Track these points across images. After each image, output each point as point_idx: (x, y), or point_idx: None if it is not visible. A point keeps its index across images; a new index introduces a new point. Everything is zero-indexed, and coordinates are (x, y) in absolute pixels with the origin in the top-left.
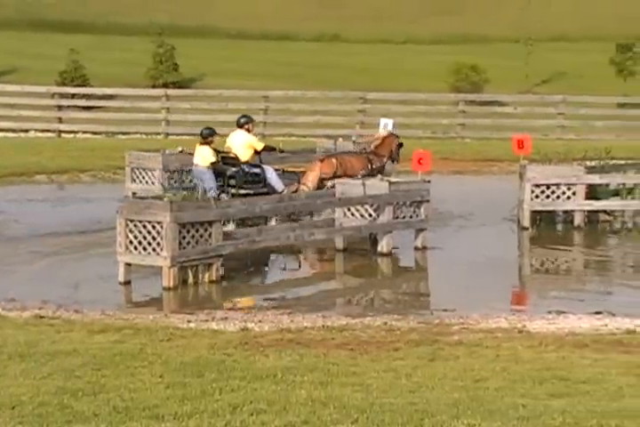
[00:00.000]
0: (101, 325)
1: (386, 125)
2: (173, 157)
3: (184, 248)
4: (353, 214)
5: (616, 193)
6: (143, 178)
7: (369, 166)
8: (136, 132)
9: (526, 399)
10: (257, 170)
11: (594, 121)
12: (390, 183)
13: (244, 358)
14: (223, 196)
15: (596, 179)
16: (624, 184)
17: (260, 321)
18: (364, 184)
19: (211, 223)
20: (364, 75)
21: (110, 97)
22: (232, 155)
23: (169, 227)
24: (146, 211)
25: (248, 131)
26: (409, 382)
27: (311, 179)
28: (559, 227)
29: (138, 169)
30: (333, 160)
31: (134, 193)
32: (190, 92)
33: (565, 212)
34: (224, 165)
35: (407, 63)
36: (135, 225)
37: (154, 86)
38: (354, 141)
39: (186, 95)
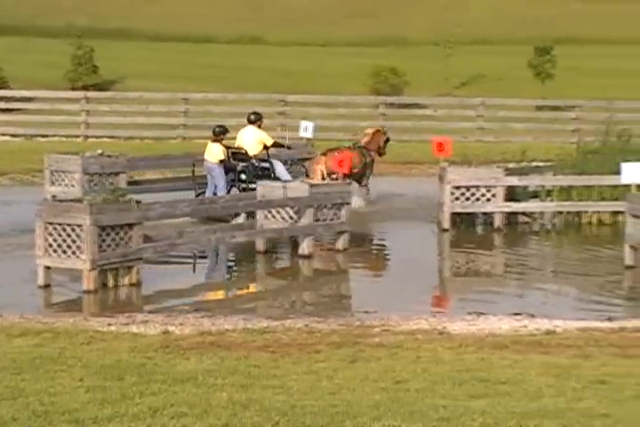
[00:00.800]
0: (20, 328)
1: (306, 128)
2: (93, 160)
3: (104, 251)
4: (274, 217)
5: (535, 195)
6: (63, 181)
7: (364, 160)
8: (55, 135)
9: (446, 400)
10: (266, 164)
11: (512, 123)
12: (311, 186)
13: (164, 361)
14: (234, 190)
15: (514, 181)
16: (543, 186)
17: (180, 324)
18: (284, 187)
19: (131, 226)
20: (284, 77)
21: (29, 99)
22: (243, 151)
23: (89, 230)
24: (65, 214)
25: (259, 127)
26: (330, 384)
27: (317, 168)
28: (479, 229)
29: (57, 172)
30: (336, 154)
31: (54, 196)
32: (110, 94)
33: (485, 214)
34: (234, 160)
35: (327, 66)
36: (55, 228)
37: (73, 89)
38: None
39: (105, 98)
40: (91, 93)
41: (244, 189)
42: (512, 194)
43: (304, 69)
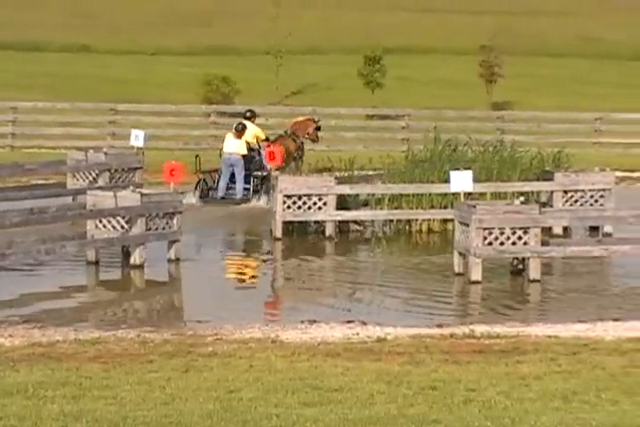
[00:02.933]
0: None
1: (137, 137)
2: None
3: None
4: (105, 226)
5: (366, 203)
6: None
7: (297, 146)
8: None
9: (279, 409)
10: (256, 153)
11: (344, 132)
12: (142, 195)
13: None
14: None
15: (346, 189)
16: (373, 194)
17: (10, 335)
18: (115, 196)
19: None
20: (114, 86)
21: None
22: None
23: None
24: None
25: (252, 123)
26: (163, 394)
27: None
28: (311, 237)
29: None
30: (280, 146)
31: None
32: None
33: (317, 222)
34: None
35: (158, 74)
36: None
37: None
38: (105, 153)
39: None
40: None
41: (257, 177)
42: (343, 202)
43: (135, 78)
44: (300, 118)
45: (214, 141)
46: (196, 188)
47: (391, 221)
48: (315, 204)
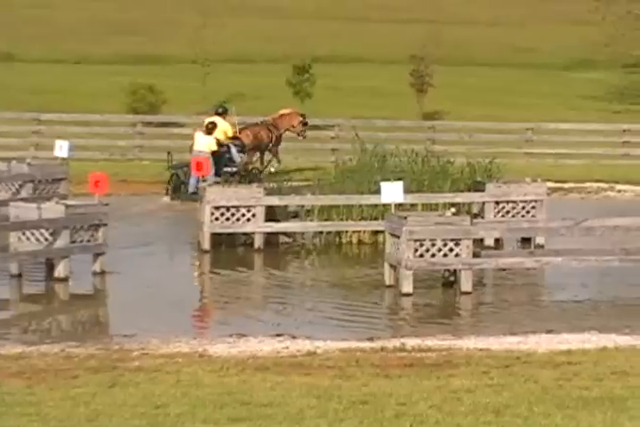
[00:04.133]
0: None
1: (61, 147)
2: None
3: None
4: (28, 239)
5: (295, 215)
6: None
7: (271, 136)
8: None
9: (207, 424)
10: (226, 149)
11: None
12: (67, 206)
13: None
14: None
15: (275, 200)
16: (302, 206)
17: None
18: (39, 207)
19: None
20: (38, 95)
21: None
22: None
23: None
24: None
25: (223, 119)
26: (87, 409)
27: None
28: (240, 249)
29: None
30: (248, 132)
31: None
32: None
33: (246, 234)
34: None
35: (83, 84)
36: None
37: None
38: (28, 163)
39: None
40: None
41: (228, 173)
42: (272, 214)
43: (59, 87)
44: (286, 111)
45: (140, 152)
46: (168, 183)
47: (321, 232)
48: (243, 215)
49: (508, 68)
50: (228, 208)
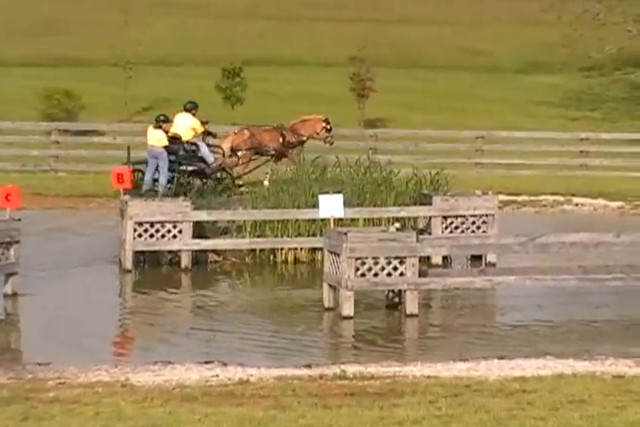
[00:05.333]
0: None
1: None
2: None
3: None
4: None
5: (226, 231)
6: None
7: (280, 140)
8: None
9: None
10: (194, 147)
11: None
12: None
13: None
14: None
15: (203, 215)
16: (234, 221)
17: None
18: None
19: None
20: None
21: None
22: (173, 135)
23: None
24: None
25: (193, 115)
26: None
27: (224, 147)
28: (165, 269)
29: None
30: (245, 131)
31: None
32: None
33: (171, 252)
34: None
35: None
36: None
37: None
38: None
39: None
40: None
41: (183, 171)
42: (201, 230)
43: None
44: (309, 116)
45: (56, 162)
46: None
47: (254, 250)
48: (169, 231)
49: (457, 72)
50: (151, 224)
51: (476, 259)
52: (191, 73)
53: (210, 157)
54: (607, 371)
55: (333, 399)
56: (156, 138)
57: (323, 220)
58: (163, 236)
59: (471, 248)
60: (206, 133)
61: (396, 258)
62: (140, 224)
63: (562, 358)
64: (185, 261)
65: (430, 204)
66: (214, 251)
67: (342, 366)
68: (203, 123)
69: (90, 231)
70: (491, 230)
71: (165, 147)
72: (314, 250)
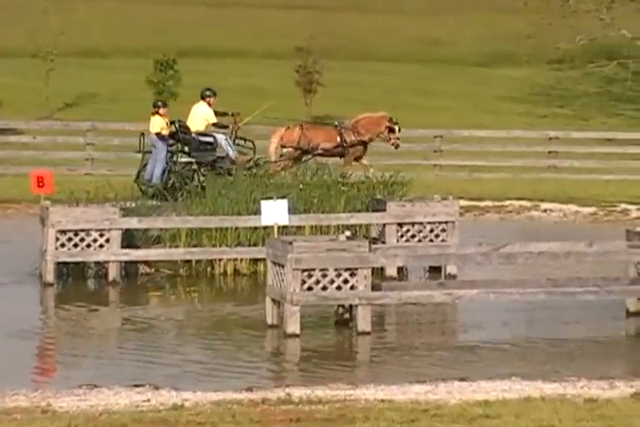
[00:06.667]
0: None
1: None
2: None
3: None
4: None
5: (158, 240)
6: None
7: (338, 139)
8: None
9: None
10: (209, 139)
11: (132, 153)
12: None
13: None
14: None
15: (133, 223)
16: (167, 229)
17: None
18: None
19: None
20: None
21: None
22: (182, 124)
23: None
24: None
25: (209, 104)
26: None
27: (271, 149)
28: (91, 282)
29: None
30: (297, 129)
31: None
32: None
33: (98, 263)
34: (181, 133)
35: None
36: None
37: None
38: None
39: None
40: None
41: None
42: (131, 239)
43: None
44: (373, 114)
45: None
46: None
47: (189, 261)
48: (95, 241)
49: (413, 64)
50: (75, 232)
51: (435, 271)
52: (120, 65)
53: (230, 150)
54: (578, 394)
55: (277, 426)
56: (151, 124)
57: (265, 228)
58: (88, 245)
59: (429, 259)
60: (218, 126)
61: (346, 270)
62: (63, 232)
63: (529, 380)
64: (113, 273)
65: (384, 210)
66: (145, 262)
67: (287, 390)
68: (220, 113)
69: (7, 240)
70: (451, 239)
71: (172, 136)
72: (256, 261)
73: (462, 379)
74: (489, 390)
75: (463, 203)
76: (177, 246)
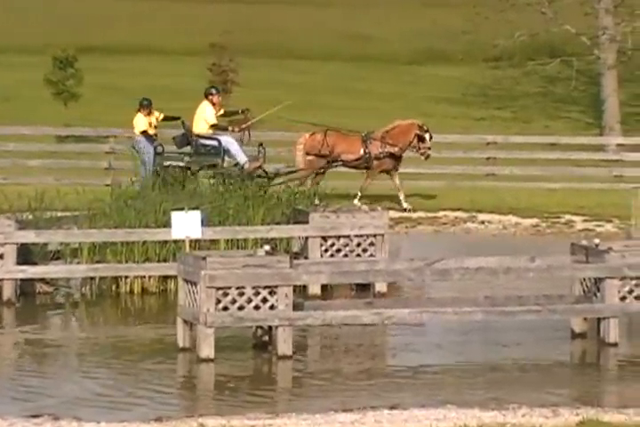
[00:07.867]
0: None
1: None
2: None
3: None
4: None
5: (58, 255)
6: None
7: (361, 151)
8: None
9: None
10: (211, 142)
11: (27, 160)
12: None
13: None
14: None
15: (30, 236)
16: (67, 243)
17: None
18: None
19: None
20: None
21: None
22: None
23: None
24: None
25: (212, 103)
26: None
27: (298, 158)
28: None
29: None
30: (318, 136)
31: None
32: None
33: None
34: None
35: None
36: None
37: None
38: None
39: None
40: None
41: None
42: (27, 254)
43: None
44: (403, 121)
45: None
46: None
47: (92, 278)
48: None
49: (338, 62)
50: None
51: (363, 288)
52: (15, 62)
53: (241, 156)
54: (519, 423)
55: None
56: (134, 123)
57: (176, 241)
58: None
59: (356, 275)
60: (216, 127)
61: (265, 288)
62: None
63: (465, 408)
64: (7, 292)
65: (307, 222)
66: (44, 280)
67: (200, 419)
68: (230, 113)
69: None
70: (380, 254)
71: (144, 133)
72: (165, 278)
73: (393, 407)
74: (422, 418)
75: (393, 214)
76: (79, 263)
